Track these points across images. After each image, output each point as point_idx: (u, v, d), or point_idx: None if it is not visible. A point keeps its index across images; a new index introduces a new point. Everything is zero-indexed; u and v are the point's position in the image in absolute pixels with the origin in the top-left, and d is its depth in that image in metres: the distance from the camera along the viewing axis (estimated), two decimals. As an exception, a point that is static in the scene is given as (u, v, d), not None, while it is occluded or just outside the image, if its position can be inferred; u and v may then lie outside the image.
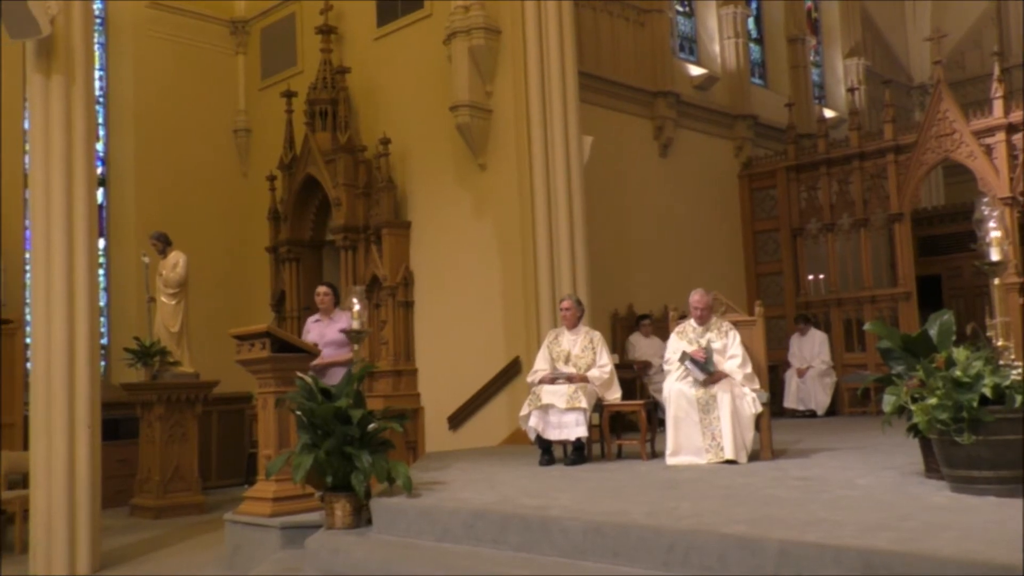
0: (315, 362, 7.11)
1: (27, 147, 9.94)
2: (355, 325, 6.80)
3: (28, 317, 10.13)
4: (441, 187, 10.85)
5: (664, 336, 8.58)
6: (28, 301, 10.20)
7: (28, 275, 10.26)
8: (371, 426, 5.98)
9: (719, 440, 6.58)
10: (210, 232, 12.47)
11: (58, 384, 7.04)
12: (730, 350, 6.86)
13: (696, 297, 7.11)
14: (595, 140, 10.06)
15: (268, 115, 12.75)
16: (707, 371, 6.73)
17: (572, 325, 7.57)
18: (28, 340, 9.74)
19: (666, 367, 7.14)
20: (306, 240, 12.24)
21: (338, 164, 11.24)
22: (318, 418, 5.87)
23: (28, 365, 9.00)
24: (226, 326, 7.64)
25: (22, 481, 7.94)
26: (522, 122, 9.69)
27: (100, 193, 11.86)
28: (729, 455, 6.51)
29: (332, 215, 11.47)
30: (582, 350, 7.43)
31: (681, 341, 7.07)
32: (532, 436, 7.18)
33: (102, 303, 11.60)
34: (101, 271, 11.48)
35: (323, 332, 7.73)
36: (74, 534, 6.96)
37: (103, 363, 10.98)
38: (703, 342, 6.92)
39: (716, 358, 6.80)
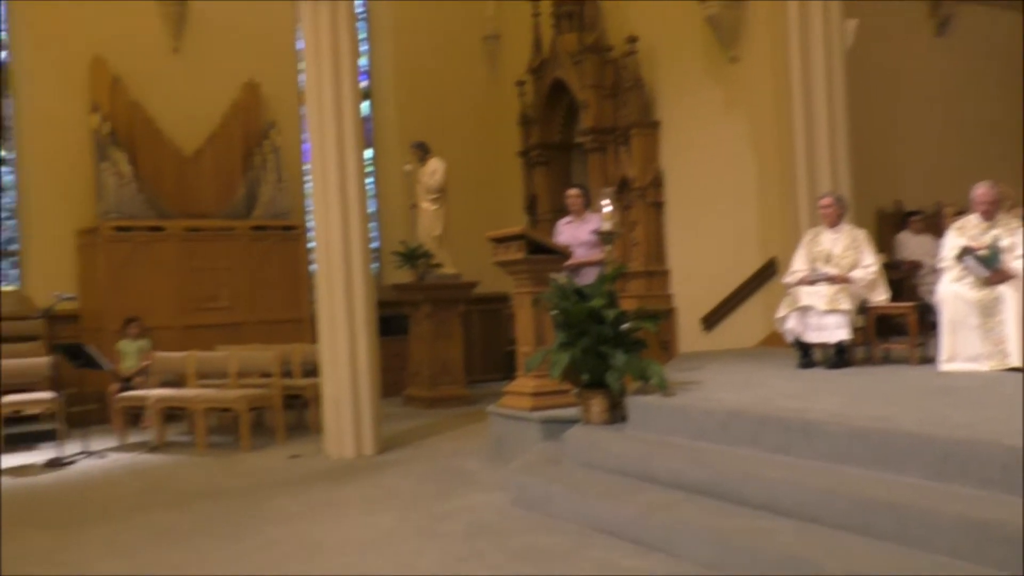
0: (568, 263, 7.27)
1: (301, 67, 10.73)
2: (606, 226, 6.85)
3: (309, 224, 11.11)
4: (690, 84, 10.51)
5: (936, 234, 7.92)
6: (309, 209, 11.17)
7: (308, 185, 11.21)
8: (624, 326, 6.07)
9: (1003, 346, 6.04)
10: (464, 139, 12.92)
11: (338, 284, 7.72)
12: (1019, 249, 6.22)
13: (982, 191, 6.47)
14: (860, 23, 9.26)
15: (516, 20, 12.86)
16: (992, 267, 6.15)
17: (833, 223, 7.18)
18: (310, 245, 10.69)
19: (941, 266, 6.61)
20: (555, 143, 12.37)
21: (585, 65, 11.16)
22: (573, 317, 6.02)
23: (311, 267, 9.92)
24: (482, 230, 7.97)
25: (314, 370, 8.84)
26: (778, 8, 9.10)
27: (365, 106, 12.59)
28: (1016, 362, 5.97)
29: (580, 117, 11.48)
30: (844, 250, 7.05)
31: (960, 238, 6.50)
32: (790, 339, 6.97)
33: (371, 209, 12.45)
34: (370, 180, 12.28)
35: (575, 234, 7.87)
36: (359, 419, 7.71)
37: (375, 265, 11.87)
38: (988, 239, 6.32)
39: (1003, 256, 6.20)
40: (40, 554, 5.07)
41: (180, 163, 11.02)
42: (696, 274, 10.45)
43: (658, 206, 10.79)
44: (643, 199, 10.77)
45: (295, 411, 9.45)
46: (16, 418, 8.82)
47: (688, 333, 10.46)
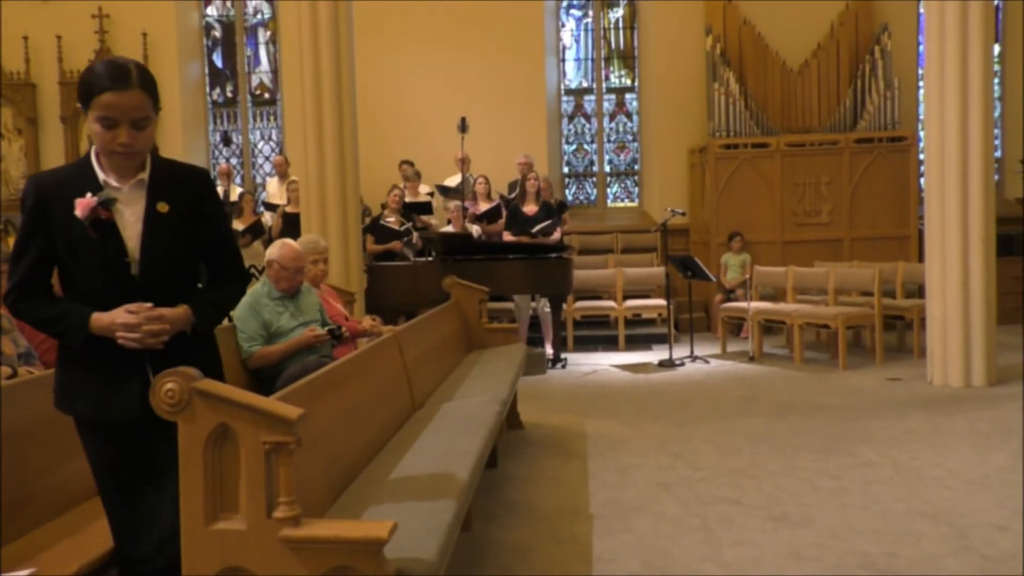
0: None
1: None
2: None
3: (921, 134, 10.29)
4: None
5: None
6: (921, 118, 10.34)
7: (921, 91, 10.36)
8: None
9: None
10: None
11: (952, 198, 7.05)
12: None
13: None
14: None
15: None
16: None
17: None
18: (922, 156, 9.93)
19: None
20: None
21: None
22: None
23: (922, 181, 9.22)
24: None
25: (918, 291, 8.29)
26: None
27: (994, -4, 11.09)
28: None
29: None
30: None
31: None
32: None
33: (995, 114, 11.06)
34: (995, 80, 10.90)
35: None
36: (968, 346, 7.05)
37: (996, 177, 10.58)
38: None
39: None
40: (655, 443, 5.67)
41: (786, 78, 11.03)
42: None
43: None
44: None
45: (895, 332, 9.00)
46: (635, 320, 9.92)
47: None
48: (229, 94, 12.26)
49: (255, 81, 12.26)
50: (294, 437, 2.20)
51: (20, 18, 11.15)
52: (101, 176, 2.33)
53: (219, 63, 12.25)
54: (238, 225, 9.03)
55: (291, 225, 8.44)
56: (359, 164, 7.65)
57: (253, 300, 4.71)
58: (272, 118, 12.27)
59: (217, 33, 12.22)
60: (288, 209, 9.10)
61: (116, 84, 2.24)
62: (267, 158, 12.14)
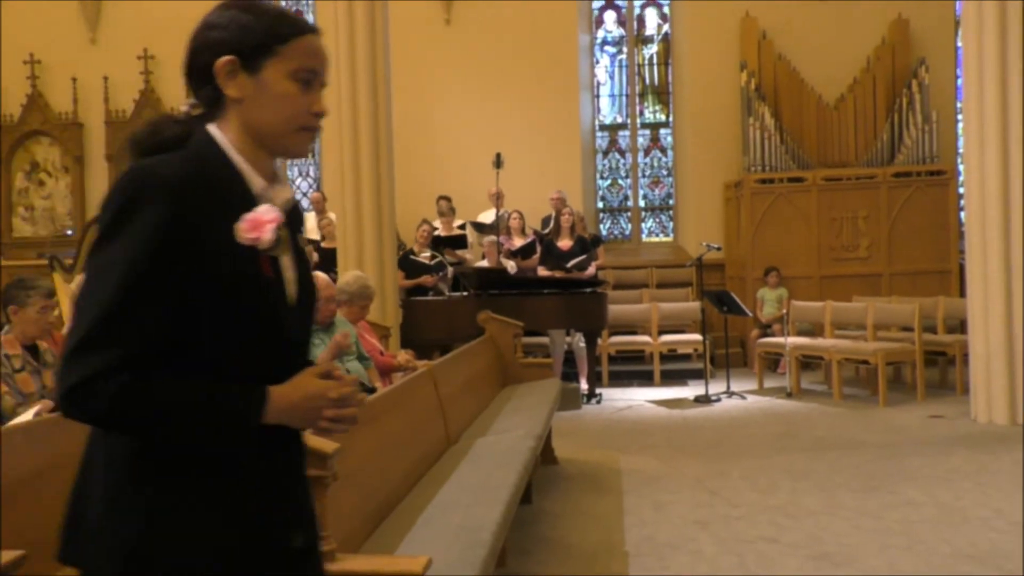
0: None
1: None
2: None
3: (960, 167, 10.18)
4: None
5: None
6: (960, 151, 10.24)
7: (959, 125, 10.26)
8: None
9: None
10: None
11: (993, 231, 6.95)
12: None
13: None
14: None
15: None
16: None
17: None
18: (961, 190, 9.82)
19: None
20: None
21: None
22: None
23: (962, 215, 9.10)
24: None
25: (960, 326, 8.16)
26: None
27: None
28: None
29: None
30: None
31: None
32: None
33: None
34: (1035, 113, 10.77)
35: None
36: (1013, 383, 6.91)
37: (1039, 211, 10.41)
38: None
39: None
40: (692, 479, 5.60)
41: (822, 112, 10.99)
42: None
43: None
44: None
45: (937, 368, 8.84)
46: (671, 355, 9.85)
47: None
48: (268, 131, 12.47)
49: (294, 119, 12.47)
50: (330, 471, 2.20)
51: (69, 60, 11.47)
52: (250, 174, 1.48)
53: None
54: (276, 260, 9.12)
55: (327, 260, 8.54)
56: (395, 199, 7.73)
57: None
58: (310, 154, 12.46)
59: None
60: (324, 245, 9.21)
61: (311, 26, 1.52)
62: (304, 194, 12.32)
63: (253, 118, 1.46)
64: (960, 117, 10.62)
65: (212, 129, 1.47)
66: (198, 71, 1.49)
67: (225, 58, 1.45)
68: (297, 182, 12.47)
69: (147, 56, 11.47)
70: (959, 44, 10.60)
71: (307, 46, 1.48)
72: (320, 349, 4.71)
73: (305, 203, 12.16)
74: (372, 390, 4.70)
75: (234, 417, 1.36)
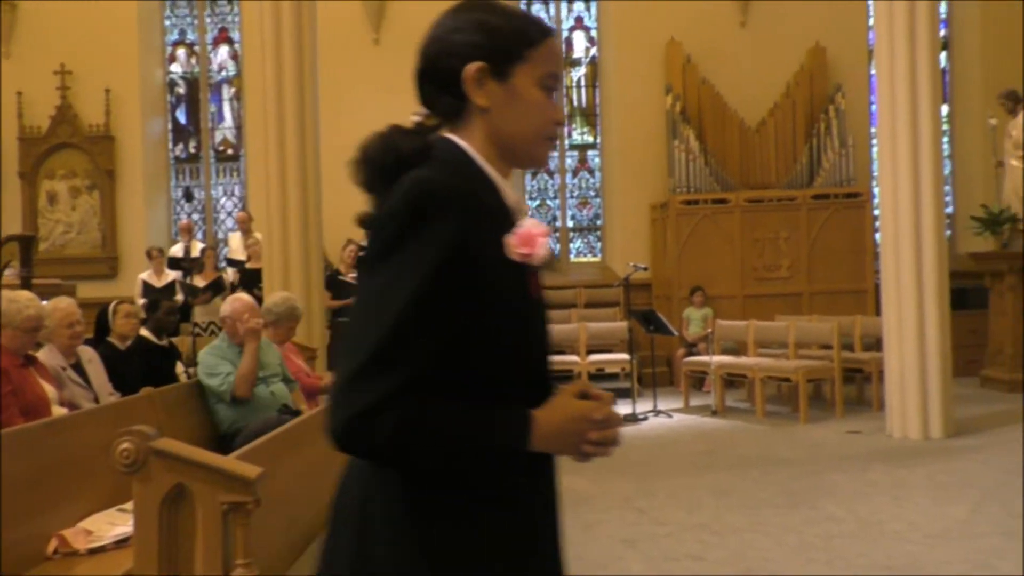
0: None
1: (870, 23, 10.18)
2: None
3: (875, 190, 10.53)
4: None
5: None
6: (875, 174, 10.59)
7: (874, 149, 10.63)
8: None
9: None
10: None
11: (906, 252, 7.20)
12: None
13: None
14: None
15: None
16: None
17: None
18: (876, 212, 10.15)
19: None
20: None
21: None
22: None
23: (877, 236, 9.40)
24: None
25: (876, 344, 8.41)
26: None
27: (942, 58, 11.50)
28: None
29: None
30: None
31: None
32: None
33: (946, 171, 11.37)
34: (944, 138, 11.23)
35: None
36: (926, 398, 7.14)
37: (948, 232, 10.83)
38: None
39: None
40: (620, 498, 5.64)
41: (744, 136, 11.26)
42: None
43: None
44: None
45: (855, 385, 9.10)
46: (598, 375, 9.92)
47: None
48: (192, 150, 12.25)
49: (218, 137, 12.27)
50: (253, 497, 2.16)
51: (-19, 74, 11.10)
52: (503, 185, 1.42)
53: (183, 119, 12.25)
54: (199, 281, 8.96)
55: (252, 281, 8.40)
56: (323, 219, 7.65)
57: (214, 351, 4.68)
58: (235, 173, 12.26)
59: (181, 90, 12.24)
60: (248, 265, 9.05)
61: (552, 28, 1.48)
62: (229, 214, 12.10)
63: (501, 128, 1.39)
64: (875, 142, 11.01)
65: (456, 140, 1.39)
66: (440, 78, 1.40)
67: (476, 64, 1.37)
68: (221, 201, 12.25)
69: (64, 71, 11.16)
70: (872, 72, 11.00)
71: (552, 50, 1.41)
72: (233, 367, 4.61)
73: (230, 223, 11.96)
74: (298, 412, 4.62)
75: (508, 444, 1.27)
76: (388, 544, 1.29)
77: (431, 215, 1.26)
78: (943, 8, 11.73)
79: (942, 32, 11.65)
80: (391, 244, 1.27)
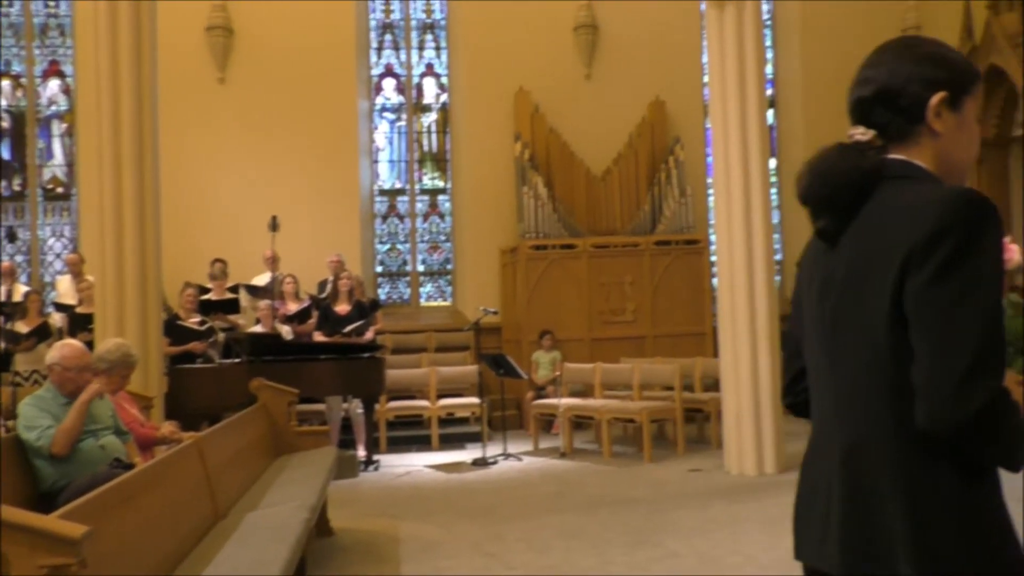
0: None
1: (705, 79, 10.77)
2: None
3: (712, 237, 11.07)
4: None
5: None
6: (712, 222, 11.15)
7: (711, 198, 11.20)
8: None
9: None
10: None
11: (740, 297, 7.59)
12: None
13: None
14: None
15: (940, 8, 11.74)
16: None
17: None
18: (713, 258, 10.65)
19: None
20: (989, 139, 11.04)
21: (1026, 49, 9.85)
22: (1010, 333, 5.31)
23: (714, 280, 9.88)
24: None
25: (715, 385, 8.78)
26: None
27: (770, 115, 12.30)
28: None
29: (1022, 107, 10.14)
30: None
31: None
32: None
33: (775, 220, 12.10)
34: (773, 190, 11.96)
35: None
36: (760, 436, 7.50)
37: (778, 278, 11.50)
38: None
39: None
40: (470, 543, 5.61)
41: (590, 183, 11.63)
42: None
43: (1122, 206, 9.15)
44: (1102, 198, 9.21)
45: (696, 424, 9.46)
46: (449, 419, 9.90)
47: None
48: (17, 187, 11.52)
49: (47, 175, 11.60)
50: (77, 558, 2.02)
51: None
52: None
53: (6, 155, 11.52)
54: (23, 327, 8.37)
55: (82, 326, 7.92)
56: (162, 262, 7.33)
57: (37, 402, 4.37)
58: (65, 213, 11.60)
59: (5, 124, 11.53)
60: (79, 310, 8.54)
61: None
62: (58, 255, 11.42)
63: (951, 152, 1.58)
64: (711, 191, 11.60)
65: (913, 160, 1.57)
66: (902, 103, 1.57)
67: (940, 94, 1.55)
68: (49, 242, 11.54)
69: None
70: (708, 126, 11.62)
71: (980, 88, 1.63)
72: (56, 421, 4.33)
73: (58, 265, 11.28)
74: (130, 466, 4.37)
75: None
76: (949, 517, 1.44)
77: (987, 224, 1.43)
78: (769, 69, 12.58)
79: (769, 91, 12.48)
80: (960, 250, 1.41)
